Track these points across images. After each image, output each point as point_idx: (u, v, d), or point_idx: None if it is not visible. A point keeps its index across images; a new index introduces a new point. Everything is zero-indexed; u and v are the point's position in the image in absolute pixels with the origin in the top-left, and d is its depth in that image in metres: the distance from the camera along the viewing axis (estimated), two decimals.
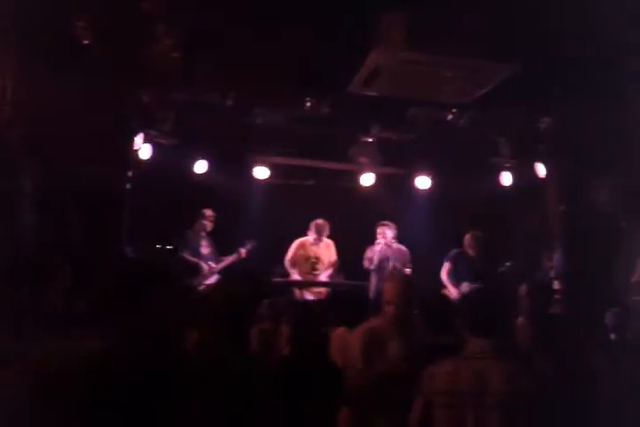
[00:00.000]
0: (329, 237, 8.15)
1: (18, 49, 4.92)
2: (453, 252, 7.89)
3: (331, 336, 3.98)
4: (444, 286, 7.79)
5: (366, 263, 8.00)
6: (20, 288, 4.81)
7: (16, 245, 5.06)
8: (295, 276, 7.98)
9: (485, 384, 2.67)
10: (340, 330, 4.06)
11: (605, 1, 4.65)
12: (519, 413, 2.62)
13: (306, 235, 8.12)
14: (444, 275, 7.83)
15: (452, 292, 7.54)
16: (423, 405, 2.82)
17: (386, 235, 7.92)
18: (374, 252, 7.96)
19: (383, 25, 5.15)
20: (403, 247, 8.05)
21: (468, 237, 7.83)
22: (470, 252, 7.83)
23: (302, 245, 8.11)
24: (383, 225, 7.98)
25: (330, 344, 3.90)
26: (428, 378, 2.82)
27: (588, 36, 5.19)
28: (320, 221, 7.99)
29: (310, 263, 8.05)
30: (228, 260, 7.92)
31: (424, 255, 8.22)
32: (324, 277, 8.04)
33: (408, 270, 7.90)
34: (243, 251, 7.91)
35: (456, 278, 7.80)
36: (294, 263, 8.04)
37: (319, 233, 7.98)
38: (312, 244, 8.08)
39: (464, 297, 4.08)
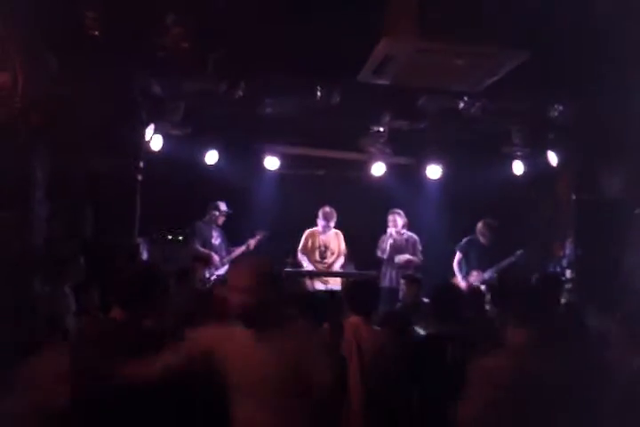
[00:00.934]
0: (339, 226, 8.19)
1: (28, 40, 4.93)
2: (465, 240, 7.92)
3: (344, 325, 3.99)
4: (455, 276, 7.82)
5: (379, 253, 8.03)
6: (33, 280, 4.86)
7: (30, 236, 5.09)
8: (307, 265, 8.03)
9: (543, 376, 2.64)
10: (353, 319, 4.07)
11: None
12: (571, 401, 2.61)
13: (316, 224, 8.15)
14: (455, 264, 7.87)
15: (460, 281, 7.55)
16: (486, 403, 2.71)
17: (397, 222, 7.95)
18: (386, 241, 7.98)
19: (393, 12, 5.12)
20: (414, 236, 8.07)
21: (480, 225, 7.85)
22: (482, 239, 7.85)
23: (312, 235, 8.19)
24: (394, 213, 8.01)
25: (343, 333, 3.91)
26: (485, 374, 2.73)
27: (601, 24, 5.15)
28: (327, 208, 8.06)
29: (319, 252, 8.12)
30: (238, 251, 7.97)
31: (435, 245, 8.23)
32: (336, 267, 8.07)
33: (408, 257, 7.90)
34: (251, 243, 7.97)
35: (467, 267, 7.82)
36: (305, 253, 8.10)
37: (327, 220, 8.04)
38: (320, 233, 8.15)
39: (510, 286, 4.04)
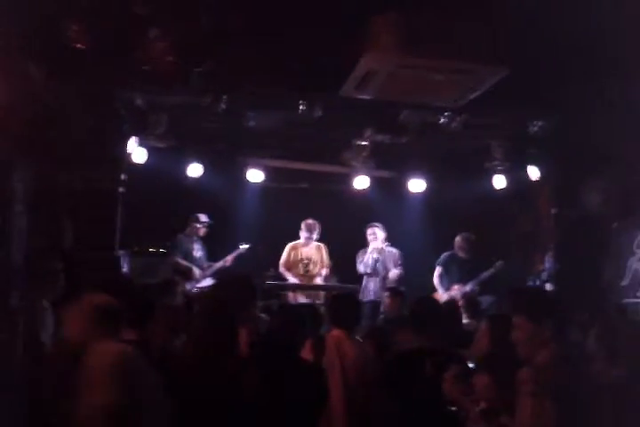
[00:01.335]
0: (322, 239, 8.19)
1: (12, 52, 4.92)
2: (444, 255, 7.98)
3: (326, 339, 3.99)
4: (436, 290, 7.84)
5: (360, 268, 8.02)
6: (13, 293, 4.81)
7: (8, 249, 5.05)
8: (291, 279, 8.01)
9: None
10: (336, 332, 4.07)
11: (595, 5, 4.68)
12: None
13: (299, 237, 8.15)
14: (435, 279, 7.90)
15: (441, 296, 7.57)
16: (542, 402, 2.77)
17: (377, 236, 7.96)
18: (367, 255, 7.99)
19: (376, 28, 5.17)
20: (394, 249, 8.08)
21: (458, 239, 7.91)
22: (461, 253, 7.90)
23: (294, 248, 8.17)
24: (374, 226, 8.03)
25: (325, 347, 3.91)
26: (536, 371, 2.82)
27: (579, 40, 5.23)
28: (310, 220, 8.08)
29: (303, 265, 8.10)
30: (217, 265, 7.97)
31: (418, 258, 8.26)
32: (319, 280, 8.06)
33: (399, 272, 7.93)
34: (229, 259, 7.98)
35: (448, 281, 7.85)
36: (289, 267, 8.08)
37: (310, 231, 8.05)
38: (303, 245, 8.14)
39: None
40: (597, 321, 3.82)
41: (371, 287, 7.89)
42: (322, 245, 8.19)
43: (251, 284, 4.47)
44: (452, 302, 6.05)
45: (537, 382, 2.78)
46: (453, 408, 3.23)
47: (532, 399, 2.77)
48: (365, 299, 7.63)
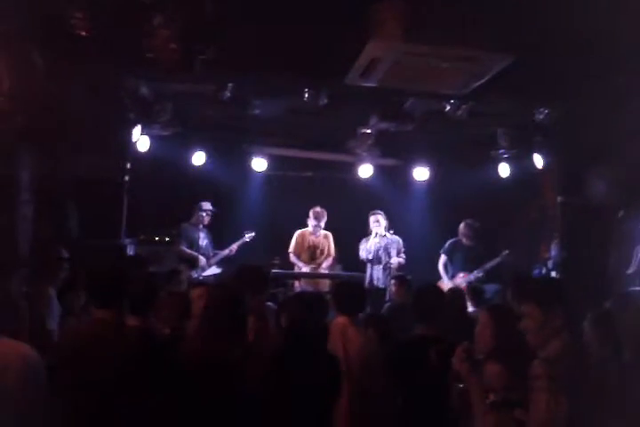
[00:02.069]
0: (327, 228, 8.20)
1: (15, 41, 4.91)
2: (448, 243, 7.98)
3: (331, 326, 4.00)
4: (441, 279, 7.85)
5: (363, 254, 8.03)
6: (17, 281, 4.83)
7: (15, 237, 5.07)
8: (302, 265, 8.07)
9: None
10: (341, 319, 4.09)
11: None
12: None
13: (306, 225, 8.17)
14: (440, 267, 7.91)
15: (446, 284, 7.57)
16: (557, 398, 2.71)
17: (380, 223, 7.95)
18: (370, 243, 8.00)
19: (380, 15, 5.14)
20: (396, 237, 8.07)
21: (461, 226, 7.92)
22: (465, 241, 7.90)
23: (302, 236, 8.22)
24: (377, 214, 8.03)
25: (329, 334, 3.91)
26: (548, 365, 2.76)
27: (585, 27, 5.19)
28: (318, 208, 8.13)
29: (309, 253, 8.16)
30: (222, 254, 8.00)
31: (422, 246, 8.26)
32: (323, 268, 8.09)
33: (402, 260, 7.93)
34: (234, 247, 8.01)
35: (453, 269, 7.86)
36: (297, 254, 8.11)
37: (317, 220, 8.09)
38: (311, 233, 8.18)
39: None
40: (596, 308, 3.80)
41: (375, 275, 7.90)
42: (329, 233, 8.21)
43: (263, 274, 4.52)
44: (456, 291, 6.05)
45: (551, 376, 2.70)
46: (461, 385, 3.12)
47: (547, 395, 2.68)
48: (370, 287, 7.65)
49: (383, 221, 7.99)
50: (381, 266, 7.88)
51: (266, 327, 4.08)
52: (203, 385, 3.11)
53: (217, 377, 3.13)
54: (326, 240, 8.21)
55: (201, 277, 7.56)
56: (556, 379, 2.70)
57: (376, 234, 7.94)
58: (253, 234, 8.09)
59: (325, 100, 6.52)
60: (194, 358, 3.22)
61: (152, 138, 7.26)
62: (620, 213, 6.91)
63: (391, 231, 8.00)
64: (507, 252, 7.71)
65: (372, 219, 8.03)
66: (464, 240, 7.92)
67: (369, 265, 7.98)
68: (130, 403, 2.97)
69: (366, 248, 7.99)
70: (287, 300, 5.05)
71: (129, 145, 6.92)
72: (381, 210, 8.11)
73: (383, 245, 7.91)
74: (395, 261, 7.87)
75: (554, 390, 2.68)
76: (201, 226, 8.03)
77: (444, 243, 8.04)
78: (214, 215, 8.09)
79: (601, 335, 3.32)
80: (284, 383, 3.28)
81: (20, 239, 5.08)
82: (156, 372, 3.07)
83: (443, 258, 7.96)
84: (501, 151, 7.80)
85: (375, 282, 7.82)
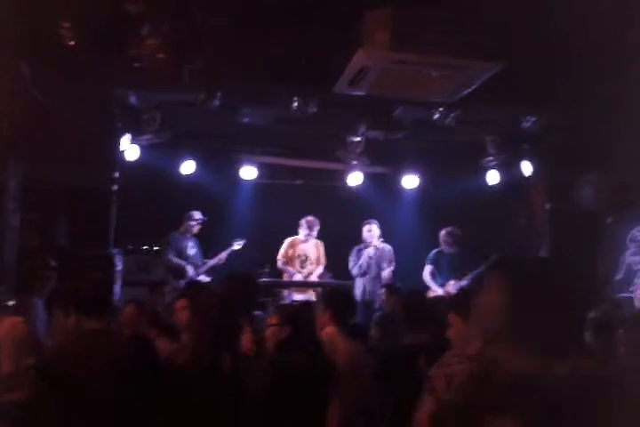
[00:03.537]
0: (317, 236, 8.18)
1: (2, 50, 4.89)
2: (432, 253, 7.96)
3: (321, 335, 3.99)
4: (429, 288, 7.81)
5: (355, 270, 7.96)
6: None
7: (1, 246, 5.04)
8: (292, 273, 8.04)
9: None
10: (329, 329, 4.07)
11: (589, 0, 4.68)
12: None
13: (296, 233, 8.15)
14: (426, 277, 7.87)
15: (437, 292, 7.56)
16: None
17: (374, 233, 7.93)
18: (360, 252, 7.97)
19: (369, 24, 5.16)
20: (387, 246, 8.06)
21: (442, 234, 7.91)
22: (448, 249, 7.89)
23: (292, 244, 8.18)
24: (371, 223, 8.00)
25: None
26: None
27: (572, 35, 5.23)
28: (310, 217, 8.10)
29: (299, 261, 8.12)
30: (211, 263, 7.98)
31: (412, 254, 8.26)
32: (314, 277, 8.07)
33: (390, 270, 7.91)
34: (223, 256, 7.98)
35: (441, 278, 7.85)
36: (287, 262, 8.10)
37: (310, 229, 8.06)
38: (302, 241, 8.15)
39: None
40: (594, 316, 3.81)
41: (364, 285, 7.86)
42: (320, 242, 8.19)
43: (254, 282, 4.50)
44: (443, 298, 6.04)
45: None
46: None
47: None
48: (359, 297, 7.62)
49: (377, 231, 7.95)
50: (370, 277, 7.82)
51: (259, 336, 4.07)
52: (194, 394, 3.09)
53: (208, 386, 3.11)
54: (317, 249, 8.17)
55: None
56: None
57: (368, 245, 7.91)
58: (244, 241, 8.07)
59: (314, 109, 6.53)
60: (185, 367, 3.20)
61: (141, 147, 7.23)
62: (609, 220, 6.96)
63: (381, 239, 7.99)
64: (495, 257, 7.69)
65: (365, 228, 7.99)
66: (447, 248, 7.91)
67: (359, 275, 7.93)
68: (125, 411, 2.95)
69: (358, 264, 7.89)
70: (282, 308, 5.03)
71: (117, 154, 6.90)
72: (371, 218, 8.10)
73: (375, 258, 7.86)
74: (386, 274, 7.84)
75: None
76: (189, 235, 8.00)
77: (433, 250, 8.04)
78: (203, 224, 8.07)
79: (604, 343, 3.33)
80: (278, 391, 3.28)
81: (7, 248, 5.04)
82: (151, 380, 3.06)
83: (428, 268, 7.91)
84: (490, 159, 7.82)
85: (364, 293, 7.76)
